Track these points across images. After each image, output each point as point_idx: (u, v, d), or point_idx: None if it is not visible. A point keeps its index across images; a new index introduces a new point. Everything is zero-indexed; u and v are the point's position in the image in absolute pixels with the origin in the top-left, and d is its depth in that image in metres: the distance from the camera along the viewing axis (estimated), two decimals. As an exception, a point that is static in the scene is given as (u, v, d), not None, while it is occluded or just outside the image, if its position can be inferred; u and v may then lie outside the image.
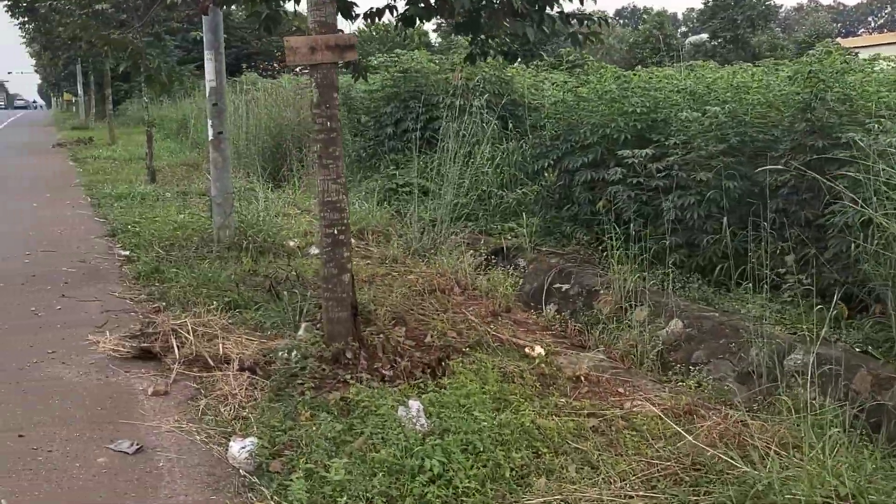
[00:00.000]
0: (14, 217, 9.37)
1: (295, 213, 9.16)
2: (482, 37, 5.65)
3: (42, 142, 24.68)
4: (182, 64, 32.63)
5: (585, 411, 3.82)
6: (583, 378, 4.29)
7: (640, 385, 4.27)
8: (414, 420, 3.49)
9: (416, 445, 3.20)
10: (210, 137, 7.02)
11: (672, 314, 5.06)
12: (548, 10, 5.06)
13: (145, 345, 4.46)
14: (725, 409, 3.73)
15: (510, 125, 10.25)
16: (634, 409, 3.84)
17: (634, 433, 3.56)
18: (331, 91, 4.52)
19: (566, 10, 5.22)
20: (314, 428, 3.43)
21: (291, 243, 7.32)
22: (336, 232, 4.57)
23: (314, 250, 7.25)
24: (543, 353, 4.62)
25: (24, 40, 36.95)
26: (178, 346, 4.40)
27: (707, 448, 3.20)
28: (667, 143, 6.11)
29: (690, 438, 3.28)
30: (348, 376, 4.18)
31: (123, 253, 7.33)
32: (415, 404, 3.60)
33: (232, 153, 15.43)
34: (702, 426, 3.43)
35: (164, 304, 5.53)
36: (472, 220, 8.54)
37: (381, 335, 4.74)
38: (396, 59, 12.86)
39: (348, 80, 17.33)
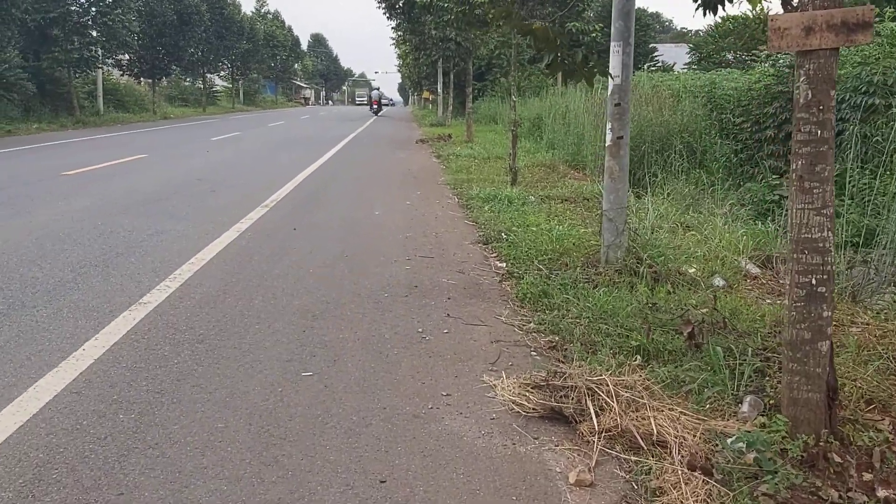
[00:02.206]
0: (393, 215, 9.41)
1: (672, 228, 7.94)
2: None
3: (405, 137, 26.36)
4: (532, 63, 33.04)
5: None
6: None
7: None
8: None
9: None
10: (607, 143, 6.10)
11: None
12: None
13: (555, 404, 3.60)
14: None
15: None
16: None
17: None
18: (827, 88, 3.26)
19: None
20: None
21: (691, 270, 6.15)
22: (814, 282, 3.33)
23: (718, 281, 6.01)
24: None
25: (394, 41, 40.41)
26: (595, 412, 3.48)
27: None
28: None
29: None
30: (835, 495, 2.95)
31: (500, 265, 6.75)
32: None
33: (590, 157, 14.75)
34: None
35: (557, 338, 4.71)
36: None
37: (871, 432, 3.40)
38: (786, 50, 11.04)
39: (710, 76, 15.70)
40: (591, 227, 8.00)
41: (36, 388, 3.73)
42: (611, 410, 3.47)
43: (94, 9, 31.79)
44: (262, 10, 79.60)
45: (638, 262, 6.02)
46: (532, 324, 5.03)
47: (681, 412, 3.50)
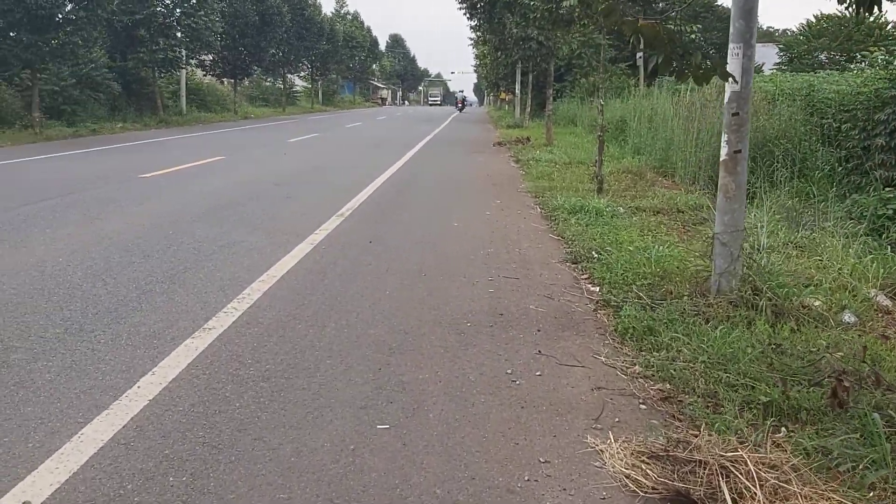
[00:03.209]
0: (472, 227, 8.87)
1: (784, 250, 7.13)
2: None
3: (482, 140, 25.82)
4: (612, 63, 32.00)
5: None
6: None
7: None
8: None
9: None
10: (722, 157, 5.40)
11: None
12: None
13: (680, 484, 2.98)
14: None
15: None
16: None
17: None
18: None
19: None
20: None
21: (816, 303, 5.39)
22: None
23: (848, 317, 5.25)
24: None
25: (472, 42, 40.00)
26: (732, 499, 2.84)
27: None
28: None
29: None
30: None
31: (593, 289, 6.12)
32: None
33: (680, 164, 13.85)
34: None
35: (669, 386, 4.07)
36: None
37: None
38: (898, 50, 10.22)
39: (808, 78, 14.62)
40: (692, 246, 7.28)
41: (81, 436, 3.31)
42: (752, 498, 2.82)
43: (178, 10, 32.36)
44: (342, 11, 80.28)
45: (755, 294, 5.29)
46: (637, 367, 4.39)
47: (839, 502, 2.83)
